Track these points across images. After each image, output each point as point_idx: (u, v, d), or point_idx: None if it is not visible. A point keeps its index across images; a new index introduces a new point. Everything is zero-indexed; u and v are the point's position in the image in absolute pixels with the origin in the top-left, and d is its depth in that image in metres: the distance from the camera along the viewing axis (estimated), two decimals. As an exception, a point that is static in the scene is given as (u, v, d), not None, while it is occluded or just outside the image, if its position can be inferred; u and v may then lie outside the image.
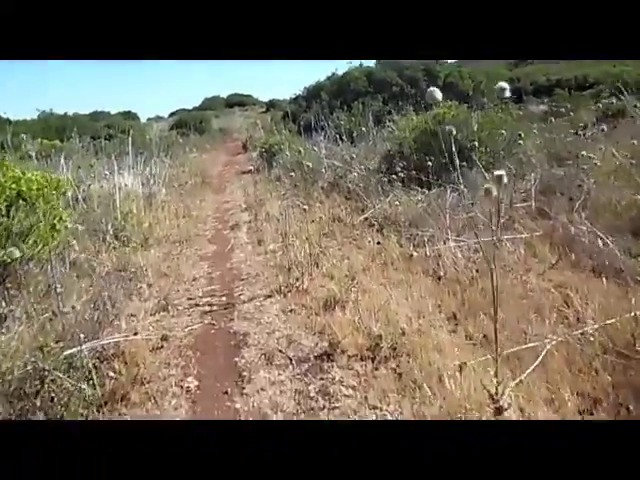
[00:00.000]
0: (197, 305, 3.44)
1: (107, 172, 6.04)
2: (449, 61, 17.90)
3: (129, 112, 28.75)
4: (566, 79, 18.31)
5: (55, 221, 3.74)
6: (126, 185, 6.07)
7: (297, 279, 3.51)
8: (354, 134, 9.25)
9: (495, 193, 1.51)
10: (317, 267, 3.81)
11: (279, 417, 2.12)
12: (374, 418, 2.06)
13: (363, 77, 17.18)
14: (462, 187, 5.52)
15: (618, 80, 15.17)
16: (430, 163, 5.69)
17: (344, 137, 9.00)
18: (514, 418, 1.83)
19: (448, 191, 5.02)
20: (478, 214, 4.59)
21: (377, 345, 2.52)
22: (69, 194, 5.94)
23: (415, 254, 3.89)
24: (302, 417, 2.10)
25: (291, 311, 3.16)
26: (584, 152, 4.20)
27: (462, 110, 6.91)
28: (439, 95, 1.60)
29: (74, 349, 2.53)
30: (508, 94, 1.58)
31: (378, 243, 4.07)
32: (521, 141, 4.67)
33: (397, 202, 5.14)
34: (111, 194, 5.90)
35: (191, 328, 3.09)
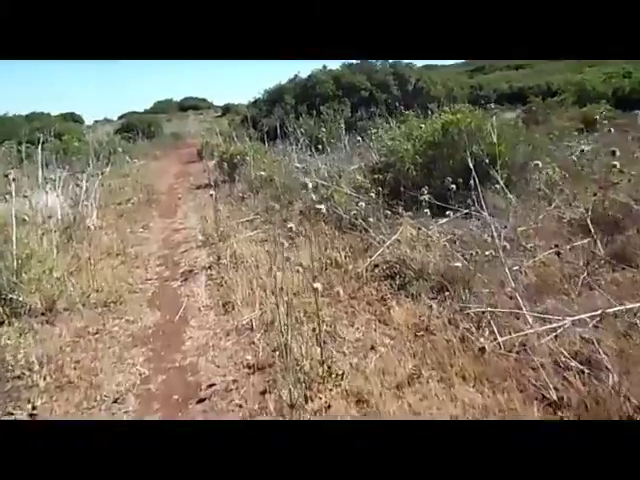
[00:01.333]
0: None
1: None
2: (418, 65, 16.97)
3: (72, 114, 26.16)
4: (529, 87, 18.09)
5: None
6: (25, 214, 4.23)
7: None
8: (329, 142, 7.80)
9: None
10: (329, 373, 2.26)
11: None
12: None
13: (330, 80, 15.93)
14: (485, 214, 4.21)
15: (581, 88, 14.85)
16: (454, 185, 4.28)
17: (318, 146, 7.53)
18: None
19: (493, 225, 3.55)
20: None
21: None
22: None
23: (486, 345, 2.42)
24: None
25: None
26: None
27: (476, 116, 5.57)
28: None
29: None
30: None
31: (427, 329, 2.55)
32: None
33: (421, 241, 3.68)
34: (11, 223, 4.02)
35: None
